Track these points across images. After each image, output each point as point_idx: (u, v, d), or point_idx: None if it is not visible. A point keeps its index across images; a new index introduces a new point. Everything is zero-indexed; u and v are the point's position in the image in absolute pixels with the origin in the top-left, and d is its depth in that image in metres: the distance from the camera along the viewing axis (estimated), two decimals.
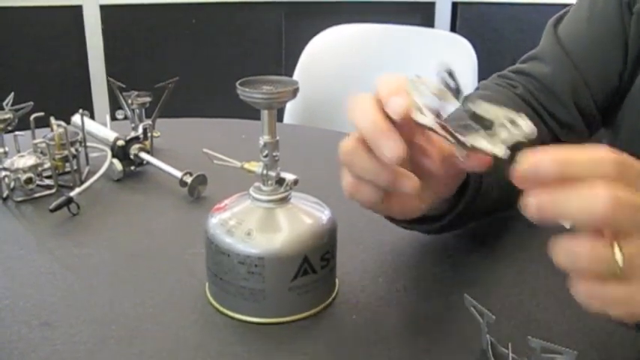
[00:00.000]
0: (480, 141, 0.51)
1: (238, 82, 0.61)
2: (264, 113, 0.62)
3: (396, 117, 0.52)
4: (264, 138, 0.63)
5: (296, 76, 1.64)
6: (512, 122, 0.51)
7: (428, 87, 0.54)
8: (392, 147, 0.52)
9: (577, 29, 0.86)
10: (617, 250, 0.42)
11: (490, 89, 0.87)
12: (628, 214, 0.41)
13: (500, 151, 0.50)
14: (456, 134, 0.52)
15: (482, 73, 1.54)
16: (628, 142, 0.83)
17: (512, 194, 0.48)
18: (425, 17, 2.64)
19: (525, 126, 0.51)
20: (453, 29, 2.65)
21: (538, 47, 0.90)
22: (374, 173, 0.55)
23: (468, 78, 1.52)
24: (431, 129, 0.53)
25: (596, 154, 0.43)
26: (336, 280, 0.69)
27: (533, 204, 0.45)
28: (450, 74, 0.54)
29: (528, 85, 0.86)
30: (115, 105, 1.09)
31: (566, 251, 0.44)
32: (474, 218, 0.74)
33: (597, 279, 0.44)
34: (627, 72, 0.83)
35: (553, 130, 0.84)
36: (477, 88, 0.89)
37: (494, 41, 2.61)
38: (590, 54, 0.84)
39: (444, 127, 0.52)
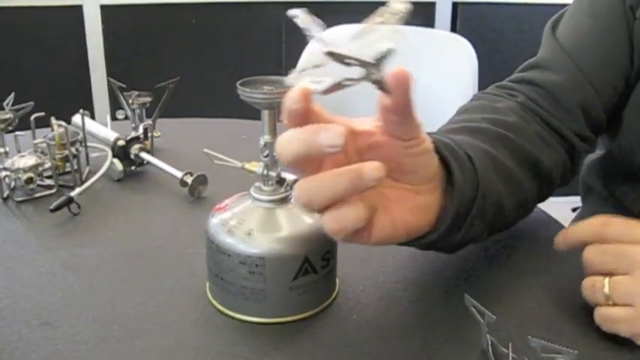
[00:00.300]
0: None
1: (239, 82, 0.61)
2: (265, 113, 0.62)
3: (297, 105, 0.50)
4: (265, 138, 0.63)
5: None
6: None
7: (309, 67, 0.51)
8: (327, 134, 0.49)
9: (579, 33, 0.84)
10: (605, 281, 0.60)
11: (484, 99, 0.84)
12: (606, 259, 0.61)
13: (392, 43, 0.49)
14: (356, 58, 0.49)
15: (483, 73, 1.54)
16: (631, 144, 0.83)
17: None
18: (425, 17, 2.64)
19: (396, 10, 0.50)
20: (453, 29, 2.65)
21: (539, 54, 0.87)
22: (330, 181, 0.50)
23: (468, 78, 1.53)
24: (338, 83, 0.50)
25: (593, 221, 0.64)
26: (337, 280, 0.69)
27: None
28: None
29: (531, 94, 0.83)
30: (115, 105, 1.09)
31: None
32: (475, 231, 0.66)
33: (601, 304, 0.61)
34: (634, 73, 0.82)
35: (563, 138, 0.81)
36: (472, 100, 0.85)
37: (495, 41, 2.61)
38: (596, 59, 0.82)
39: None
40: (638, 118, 0.82)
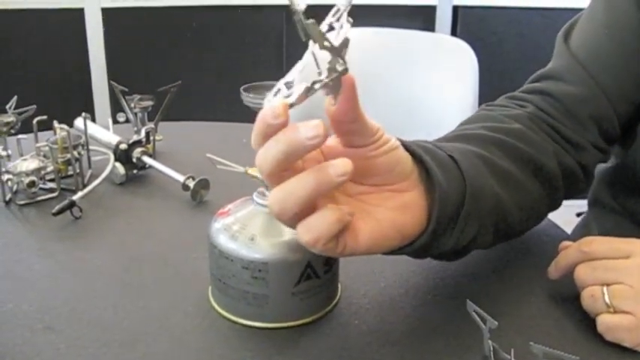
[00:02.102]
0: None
1: (242, 87, 0.61)
2: None
3: (278, 120, 0.49)
4: None
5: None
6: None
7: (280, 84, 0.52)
8: (307, 127, 0.49)
9: (595, 45, 0.82)
10: (604, 289, 0.61)
11: (487, 110, 0.82)
12: (595, 274, 0.63)
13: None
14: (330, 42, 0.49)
15: (483, 77, 1.54)
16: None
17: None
18: (426, 21, 2.65)
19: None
20: (453, 33, 2.66)
21: (552, 65, 0.85)
22: (297, 184, 0.50)
23: (468, 82, 1.53)
24: (308, 88, 0.51)
25: (575, 250, 0.67)
26: (339, 285, 0.69)
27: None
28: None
29: (542, 104, 0.81)
30: (116, 108, 1.09)
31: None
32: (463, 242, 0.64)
33: (603, 312, 0.62)
34: None
35: (574, 147, 0.79)
36: (476, 112, 0.83)
37: (495, 45, 2.62)
38: (612, 70, 0.80)
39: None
40: None
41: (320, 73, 0.50)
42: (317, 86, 0.50)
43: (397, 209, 0.57)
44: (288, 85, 0.51)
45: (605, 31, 0.81)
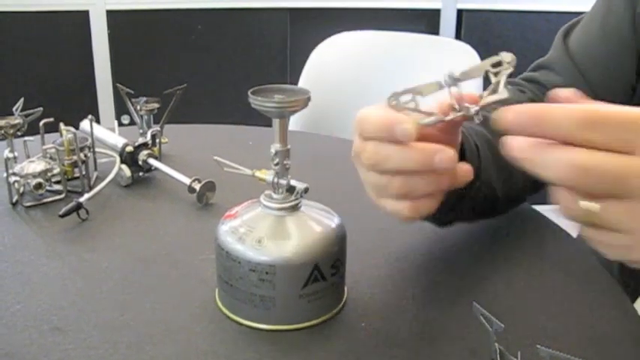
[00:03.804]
0: (486, 98, 0.54)
1: (250, 90, 0.61)
2: (276, 122, 0.63)
3: (405, 139, 0.55)
4: (276, 146, 0.64)
5: (301, 82, 1.64)
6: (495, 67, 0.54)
7: (408, 94, 0.56)
8: (403, 128, 0.54)
9: (588, 42, 0.87)
10: (584, 203, 0.46)
11: None
12: (593, 181, 0.45)
13: (504, 93, 0.53)
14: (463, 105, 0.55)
15: (488, 80, 1.54)
16: None
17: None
18: (430, 24, 2.65)
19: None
20: (458, 36, 2.66)
21: (548, 55, 0.91)
22: (401, 157, 0.56)
23: (473, 85, 1.53)
24: (442, 120, 0.56)
25: (568, 112, 0.45)
26: (345, 288, 0.69)
27: (513, 149, 0.49)
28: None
29: (537, 92, 0.87)
30: (120, 110, 1.10)
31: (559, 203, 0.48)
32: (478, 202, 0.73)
33: (586, 225, 0.48)
34: None
35: None
36: None
37: (500, 48, 2.59)
38: (601, 68, 0.85)
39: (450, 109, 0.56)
40: None
41: (456, 109, 0.56)
42: (447, 118, 0.56)
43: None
44: (414, 92, 0.56)
45: (599, 32, 0.86)
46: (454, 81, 0.55)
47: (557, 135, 0.46)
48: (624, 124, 0.45)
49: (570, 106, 0.46)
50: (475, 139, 0.71)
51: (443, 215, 0.70)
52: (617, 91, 0.84)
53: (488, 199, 0.75)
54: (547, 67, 0.89)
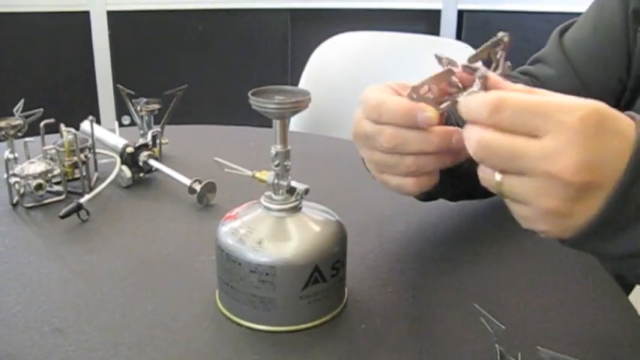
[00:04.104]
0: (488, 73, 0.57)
1: (251, 91, 0.61)
2: (277, 123, 0.63)
3: (426, 125, 0.59)
4: (276, 147, 0.64)
5: (302, 83, 1.64)
6: None
7: (424, 85, 0.60)
8: (426, 116, 0.58)
9: (581, 37, 0.90)
10: (496, 175, 0.52)
11: None
12: (493, 157, 0.51)
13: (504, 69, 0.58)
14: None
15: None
16: None
17: None
18: (431, 25, 2.65)
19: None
20: (458, 37, 2.66)
21: (543, 50, 0.95)
22: (422, 140, 0.60)
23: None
24: (455, 103, 0.57)
25: (481, 101, 0.51)
26: (346, 289, 0.69)
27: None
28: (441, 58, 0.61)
29: (530, 84, 0.88)
30: (121, 111, 1.10)
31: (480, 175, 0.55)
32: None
33: (501, 197, 0.54)
34: (632, 82, 0.85)
35: None
36: None
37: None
38: (591, 60, 0.88)
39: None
40: None
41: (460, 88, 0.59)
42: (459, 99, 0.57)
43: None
44: (430, 83, 0.59)
45: (592, 29, 0.89)
46: (454, 62, 0.59)
47: (475, 118, 0.52)
48: (529, 109, 0.49)
49: (486, 93, 0.53)
50: None
51: (456, 187, 0.75)
52: (608, 86, 0.87)
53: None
54: (542, 61, 0.93)
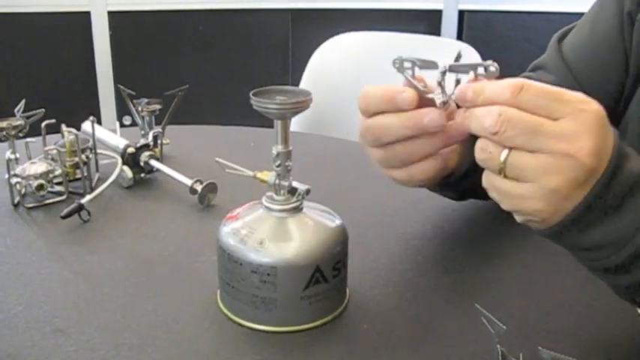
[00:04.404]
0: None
1: (252, 92, 0.61)
2: (278, 123, 0.63)
3: (409, 106, 0.62)
4: (278, 148, 0.64)
5: (303, 83, 1.64)
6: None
7: (411, 62, 0.63)
8: (403, 97, 0.62)
9: (579, 42, 0.91)
10: (504, 152, 0.54)
11: None
12: (512, 130, 0.52)
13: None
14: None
15: None
16: (633, 147, 0.84)
17: None
18: (431, 25, 2.65)
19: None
20: (459, 37, 2.66)
21: (542, 56, 0.95)
22: (400, 124, 0.62)
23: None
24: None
25: (503, 83, 0.54)
26: (347, 290, 0.69)
27: (459, 117, 0.58)
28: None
29: None
30: (122, 111, 1.10)
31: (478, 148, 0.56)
32: None
33: (492, 172, 0.56)
34: (629, 81, 0.85)
35: None
36: None
37: (501, 49, 2.61)
38: (590, 65, 0.88)
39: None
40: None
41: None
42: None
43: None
44: (414, 61, 0.63)
45: (589, 33, 0.90)
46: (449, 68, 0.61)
47: (494, 99, 0.54)
48: (550, 94, 0.53)
49: (504, 80, 0.55)
50: None
51: (457, 184, 0.77)
52: (607, 90, 0.87)
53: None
54: (542, 68, 0.94)
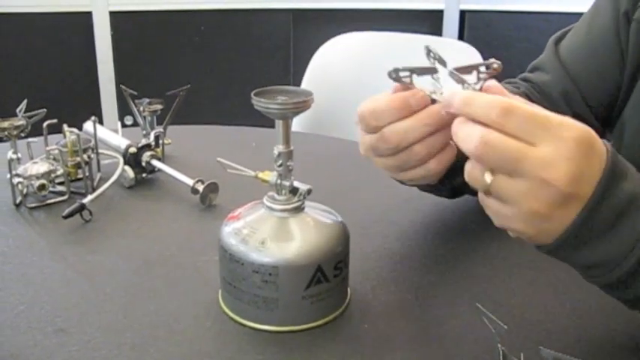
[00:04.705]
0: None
1: (253, 92, 0.61)
2: (279, 123, 0.63)
3: (424, 105, 0.63)
4: (279, 148, 0.64)
5: (304, 83, 1.64)
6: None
7: (409, 71, 0.63)
8: (417, 97, 0.63)
9: (575, 43, 0.92)
10: (487, 174, 0.54)
11: None
12: (494, 155, 0.53)
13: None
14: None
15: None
16: (630, 147, 0.84)
17: None
18: (433, 25, 2.64)
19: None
20: (460, 37, 2.65)
21: (540, 58, 0.97)
22: (418, 125, 0.63)
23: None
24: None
25: (492, 102, 0.54)
26: (348, 289, 0.69)
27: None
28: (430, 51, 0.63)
29: (532, 90, 0.93)
30: (123, 111, 1.10)
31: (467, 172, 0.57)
32: None
33: (483, 192, 0.56)
34: (625, 81, 0.86)
35: None
36: None
37: (502, 49, 2.61)
38: (586, 67, 0.89)
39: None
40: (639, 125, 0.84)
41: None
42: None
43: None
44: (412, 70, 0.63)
45: (585, 35, 0.91)
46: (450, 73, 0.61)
47: (479, 116, 0.54)
48: (534, 118, 0.53)
49: (495, 96, 0.55)
50: None
51: (452, 179, 0.75)
52: (604, 90, 0.88)
53: None
54: (540, 69, 0.95)
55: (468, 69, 0.60)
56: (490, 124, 0.53)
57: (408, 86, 0.63)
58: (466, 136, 0.55)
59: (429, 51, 0.62)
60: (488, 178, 0.55)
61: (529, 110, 0.53)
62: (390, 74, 0.63)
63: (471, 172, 0.56)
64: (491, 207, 0.57)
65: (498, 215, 0.57)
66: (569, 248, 0.56)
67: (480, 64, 0.59)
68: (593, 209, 0.53)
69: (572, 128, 0.53)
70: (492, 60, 0.59)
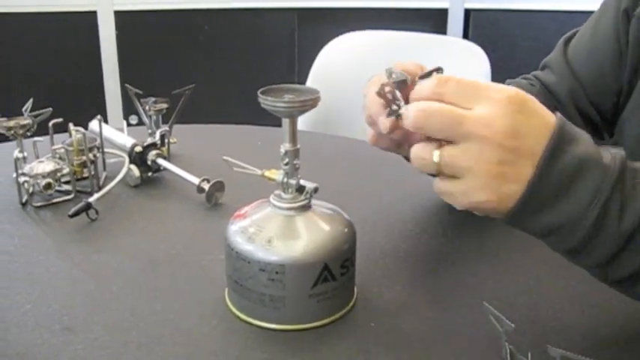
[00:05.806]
0: None
1: (260, 90, 0.61)
2: (286, 122, 0.63)
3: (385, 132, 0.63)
4: (286, 146, 0.64)
5: (309, 82, 1.64)
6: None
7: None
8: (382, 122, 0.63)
9: (581, 42, 0.94)
10: (435, 152, 0.57)
11: (516, 84, 0.98)
12: (434, 122, 0.56)
13: None
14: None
15: (495, 80, 1.53)
16: (631, 148, 0.84)
17: None
18: (437, 24, 2.64)
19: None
20: (465, 36, 2.65)
21: (549, 56, 0.98)
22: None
23: None
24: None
25: (431, 80, 0.58)
26: (355, 288, 0.69)
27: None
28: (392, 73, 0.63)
29: (541, 89, 0.95)
30: (128, 110, 1.10)
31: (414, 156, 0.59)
32: None
33: (435, 173, 0.58)
34: (626, 79, 0.87)
35: None
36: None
37: (507, 48, 2.61)
38: (590, 66, 0.91)
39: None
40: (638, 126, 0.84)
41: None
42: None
43: None
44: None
45: (589, 34, 0.93)
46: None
47: (421, 93, 0.58)
48: (468, 85, 0.56)
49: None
50: None
51: None
52: (607, 90, 0.89)
53: None
54: (548, 67, 0.97)
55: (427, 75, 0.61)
56: (431, 97, 0.57)
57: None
58: (408, 112, 0.57)
59: (390, 74, 0.62)
60: (436, 155, 0.56)
61: (461, 79, 0.57)
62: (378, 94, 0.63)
63: (419, 153, 0.58)
64: (449, 188, 0.58)
65: (457, 194, 0.57)
66: (531, 211, 0.57)
67: (433, 70, 0.61)
68: (545, 167, 0.55)
69: (501, 90, 0.56)
70: (438, 67, 0.61)
